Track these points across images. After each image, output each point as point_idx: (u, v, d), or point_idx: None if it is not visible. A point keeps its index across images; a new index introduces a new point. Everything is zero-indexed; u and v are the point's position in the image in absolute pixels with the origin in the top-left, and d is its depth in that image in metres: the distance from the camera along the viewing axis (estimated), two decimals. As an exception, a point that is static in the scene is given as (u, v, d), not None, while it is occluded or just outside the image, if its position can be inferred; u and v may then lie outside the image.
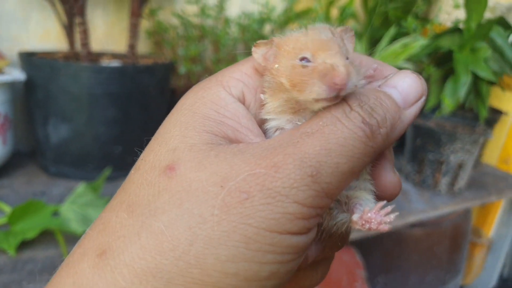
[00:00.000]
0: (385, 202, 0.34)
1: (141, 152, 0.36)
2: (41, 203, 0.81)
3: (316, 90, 0.30)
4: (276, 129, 0.35)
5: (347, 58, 0.32)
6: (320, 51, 0.31)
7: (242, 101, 0.36)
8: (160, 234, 0.27)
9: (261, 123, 0.36)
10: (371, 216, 0.33)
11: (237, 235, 0.27)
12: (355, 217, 0.34)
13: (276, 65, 0.34)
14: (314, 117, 0.32)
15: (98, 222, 0.31)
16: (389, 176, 0.36)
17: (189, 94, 0.36)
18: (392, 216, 0.33)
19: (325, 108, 0.31)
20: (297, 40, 0.33)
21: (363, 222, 0.33)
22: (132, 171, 0.33)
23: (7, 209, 0.83)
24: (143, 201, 0.29)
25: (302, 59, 0.32)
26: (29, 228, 0.76)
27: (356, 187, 0.36)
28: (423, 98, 0.35)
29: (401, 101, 0.34)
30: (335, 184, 0.29)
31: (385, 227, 0.32)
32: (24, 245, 0.76)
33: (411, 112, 0.34)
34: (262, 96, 0.36)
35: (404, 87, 0.34)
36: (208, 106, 0.34)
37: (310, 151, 0.28)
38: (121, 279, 0.26)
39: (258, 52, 0.35)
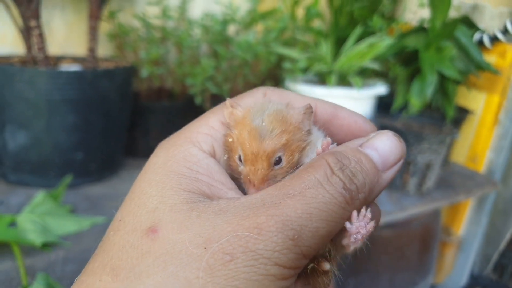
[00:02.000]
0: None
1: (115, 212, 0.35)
2: (-4, 214, 0.78)
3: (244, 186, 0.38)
4: None
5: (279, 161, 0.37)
6: (247, 160, 0.37)
7: (213, 155, 0.38)
8: None
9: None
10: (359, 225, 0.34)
11: None
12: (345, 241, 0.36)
13: (230, 139, 0.38)
14: (297, 176, 0.33)
15: (79, 286, 0.30)
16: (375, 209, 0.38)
17: (159, 151, 0.37)
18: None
19: (306, 166, 0.34)
20: (240, 133, 0.37)
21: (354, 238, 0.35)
22: (111, 232, 0.33)
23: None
24: (127, 264, 0.29)
25: (239, 156, 0.38)
26: (-18, 241, 0.73)
27: None
28: (402, 161, 0.36)
29: (381, 164, 0.35)
30: (314, 247, 0.30)
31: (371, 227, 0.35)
32: (-25, 259, 0.73)
33: (388, 175, 0.35)
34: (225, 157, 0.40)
35: (385, 150, 0.35)
36: (181, 164, 0.35)
37: (292, 214, 0.29)
38: None
39: (228, 109, 0.39)
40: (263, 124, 0.37)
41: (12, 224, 0.79)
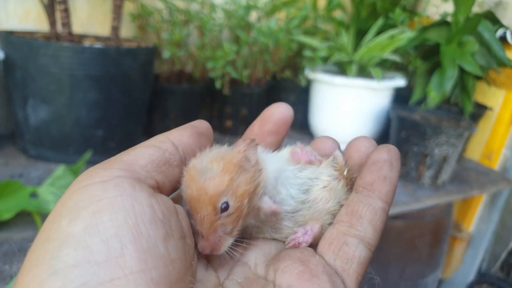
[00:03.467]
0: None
1: None
2: (19, 184, 0.79)
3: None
4: None
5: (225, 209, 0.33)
6: (190, 207, 0.33)
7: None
8: None
9: None
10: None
11: None
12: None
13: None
14: None
15: None
16: None
17: None
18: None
19: None
20: (186, 186, 0.33)
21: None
22: None
23: (-18, 190, 0.81)
24: None
25: (187, 208, 0.33)
26: (6, 209, 0.74)
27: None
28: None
29: None
30: None
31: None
32: (0, 226, 0.74)
33: None
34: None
35: None
36: None
37: None
38: None
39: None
40: (203, 164, 0.33)
41: (33, 195, 0.80)
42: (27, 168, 0.99)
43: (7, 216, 0.72)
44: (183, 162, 0.34)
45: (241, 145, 0.35)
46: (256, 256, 0.35)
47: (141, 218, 0.26)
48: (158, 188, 0.31)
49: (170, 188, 0.33)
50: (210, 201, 0.32)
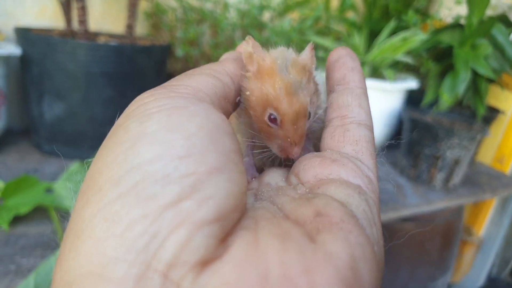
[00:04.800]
0: None
1: None
2: (35, 179, 0.80)
3: (275, 151, 0.35)
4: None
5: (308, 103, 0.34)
6: (286, 120, 0.33)
7: None
8: None
9: None
10: None
11: None
12: None
13: (248, 93, 0.34)
14: None
15: None
16: None
17: None
18: None
19: None
20: (272, 87, 0.33)
21: None
22: None
23: (0, 184, 0.81)
24: None
25: (270, 116, 0.33)
26: (23, 203, 0.75)
27: None
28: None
29: None
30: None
31: None
32: (17, 220, 0.75)
33: None
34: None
35: None
36: None
37: None
38: None
39: (248, 50, 0.35)
40: (291, 76, 0.33)
41: (49, 190, 0.81)
42: (41, 163, 1.00)
43: (24, 210, 0.73)
44: (235, 99, 0.35)
45: (306, 50, 0.37)
46: (275, 177, 0.35)
47: (215, 127, 0.26)
48: None
49: None
50: (305, 113, 0.33)
